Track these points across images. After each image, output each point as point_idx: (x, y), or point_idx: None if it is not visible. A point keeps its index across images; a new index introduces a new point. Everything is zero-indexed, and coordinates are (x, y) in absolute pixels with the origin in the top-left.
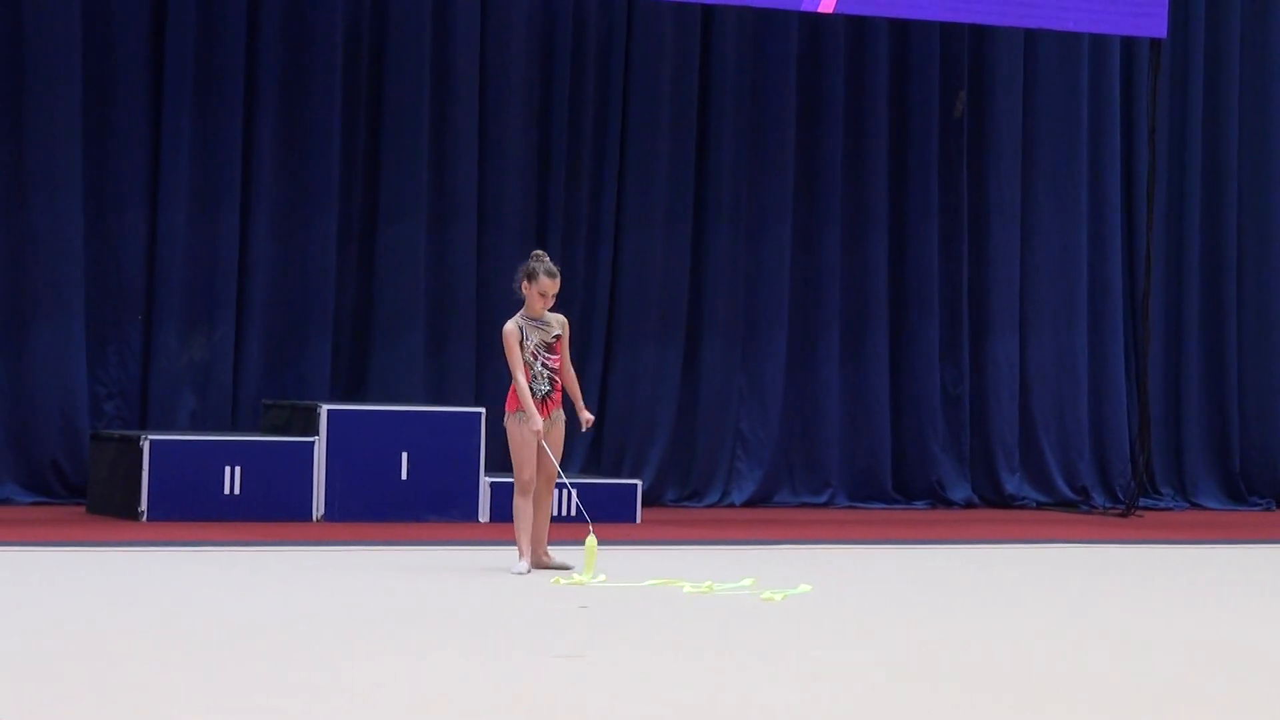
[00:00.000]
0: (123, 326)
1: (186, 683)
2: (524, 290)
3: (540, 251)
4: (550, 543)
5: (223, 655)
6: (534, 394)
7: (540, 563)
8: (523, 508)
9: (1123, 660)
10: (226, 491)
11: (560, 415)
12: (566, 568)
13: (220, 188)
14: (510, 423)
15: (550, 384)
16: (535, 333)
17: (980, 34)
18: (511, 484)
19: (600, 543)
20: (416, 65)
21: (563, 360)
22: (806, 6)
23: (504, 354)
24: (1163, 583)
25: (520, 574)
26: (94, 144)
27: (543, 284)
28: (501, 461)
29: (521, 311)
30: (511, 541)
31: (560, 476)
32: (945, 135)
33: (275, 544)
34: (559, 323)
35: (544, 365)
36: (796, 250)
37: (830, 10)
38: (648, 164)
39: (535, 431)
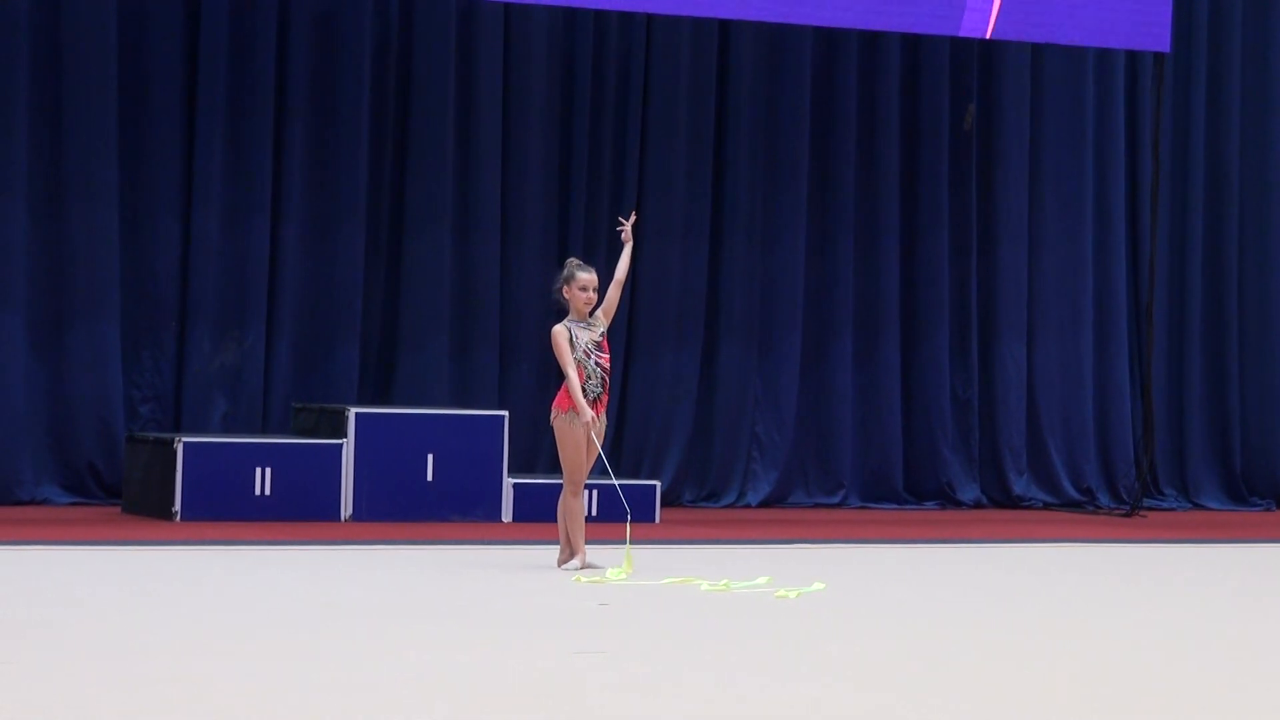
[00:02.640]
0: (157, 332)
1: (218, 677)
2: (566, 296)
3: (570, 259)
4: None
5: (253, 651)
6: (586, 394)
7: (562, 562)
8: (573, 506)
9: (1126, 654)
10: (257, 492)
11: (603, 418)
12: (592, 566)
13: (251, 198)
14: (560, 422)
15: (601, 385)
16: (584, 333)
17: (989, 49)
18: (539, 485)
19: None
20: (442, 80)
21: (611, 297)
22: (826, 21)
23: (554, 356)
24: (1166, 580)
25: (574, 569)
26: (129, 156)
27: (580, 279)
28: (524, 463)
29: (568, 316)
30: (534, 541)
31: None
32: (955, 147)
33: (304, 543)
34: (600, 320)
35: (596, 364)
36: (810, 258)
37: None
38: (666, 175)
39: (586, 424)
